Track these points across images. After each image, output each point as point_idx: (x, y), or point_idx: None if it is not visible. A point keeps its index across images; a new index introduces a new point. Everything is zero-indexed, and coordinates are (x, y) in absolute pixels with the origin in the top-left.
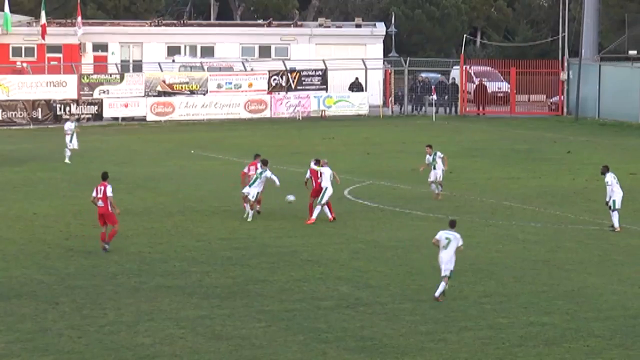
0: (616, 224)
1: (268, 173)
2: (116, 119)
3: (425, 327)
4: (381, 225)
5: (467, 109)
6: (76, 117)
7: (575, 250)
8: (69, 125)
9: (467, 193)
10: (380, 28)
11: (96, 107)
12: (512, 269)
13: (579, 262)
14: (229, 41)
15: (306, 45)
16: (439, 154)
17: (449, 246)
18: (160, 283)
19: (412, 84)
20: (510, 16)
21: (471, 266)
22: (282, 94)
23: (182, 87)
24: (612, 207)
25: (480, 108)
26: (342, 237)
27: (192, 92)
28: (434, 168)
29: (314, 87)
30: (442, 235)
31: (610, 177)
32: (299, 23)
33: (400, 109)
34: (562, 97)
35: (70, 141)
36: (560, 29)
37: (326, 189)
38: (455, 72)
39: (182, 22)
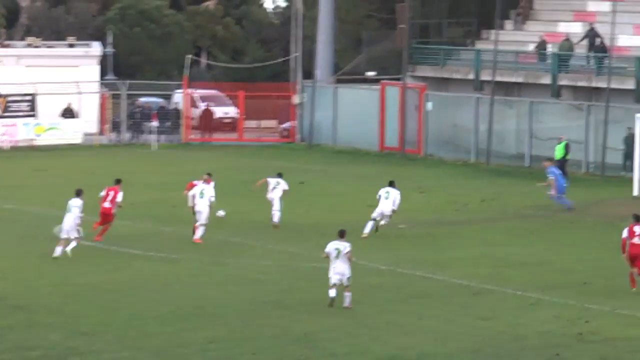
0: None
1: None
2: None
3: None
4: (97, 266)
5: (192, 137)
6: None
7: (308, 290)
8: None
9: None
10: (96, 48)
11: None
12: (241, 312)
13: (312, 302)
14: None
15: (14, 67)
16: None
17: (340, 256)
18: None
19: (131, 109)
20: (239, 35)
21: (196, 309)
22: None
23: None
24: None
25: (206, 135)
26: (53, 279)
27: None
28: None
29: (22, 113)
30: (331, 246)
31: (381, 191)
32: (5, 43)
33: (118, 136)
34: (294, 122)
35: None
36: (293, 48)
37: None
38: (179, 96)
39: None
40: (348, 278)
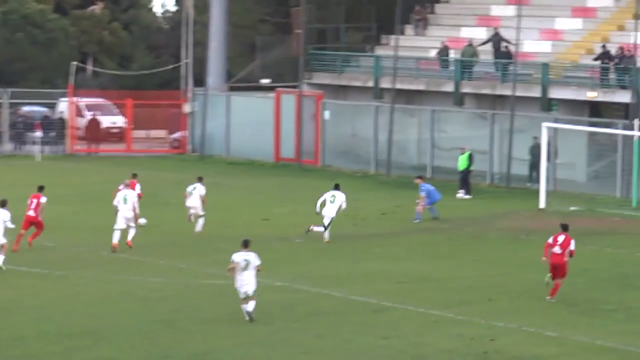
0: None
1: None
2: None
3: None
4: None
5: (77, 147)
6: None
7: (202, 308)
8: None
9: (80, 244)
10: None
11: None
12: (130, 332)
13: (206, 321)
14: None
15: None
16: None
17: (248, 267)
18: None
19: (13, 119)
20: (127, 40)
21: (82, 329)
22: None
23: None
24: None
25: (93, 146)
26: None
27: None
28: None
29: None
30: (239, 257)
31: (327, 195)
32: None
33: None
34: (185, 132)
35: None
36: (183, 54)
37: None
38: (64, 105)
39: None
40: (254, 291)
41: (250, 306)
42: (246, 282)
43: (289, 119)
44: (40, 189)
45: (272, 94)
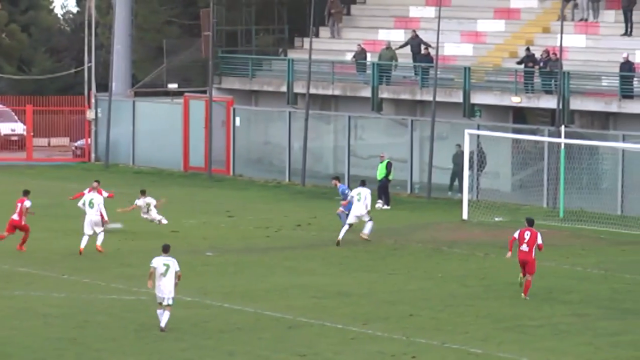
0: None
1: None
2: None
3: None
4: None
5: None
6: None
7: (107, 325)
8: None
9: None
10: None
11: None
12: (32, 350)
13: (111, 339)
14: None
15: None
16: None
17: (168, 273)
18: None
19: None
20: (26, 43)
21: None
22: None
23: None
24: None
25: None
26: None
27: None
28: None
29: None
30: (158, 261)
31: (353, 192)
32: None
33: None
34: (89, 140)
35: None
36: (86, 58)
37: None
38: None
39: None
40: (172, 298)
41: (164, 317)
42: (166, 289)
43: (198, 126)
44: (26, 193)
45: (180, 100)
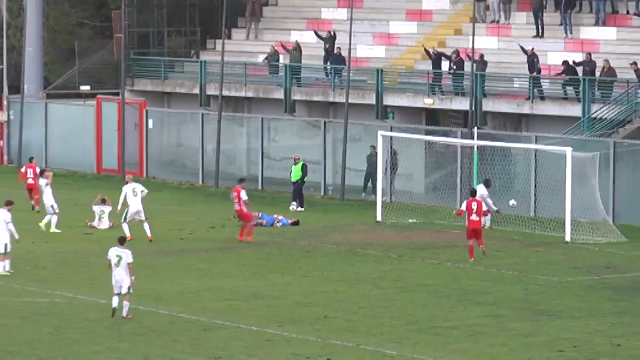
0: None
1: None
2: None
3: None
4: None
5: None
6: None
7: (21, 329)
8: None
9: None
10: None
11: None
12: None
13: (25, 342)
14: None
15: None
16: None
17: (120, 264)
18: None
19: None
20: None
21: None
22: None
23: None
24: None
25: None
26: None
27: None
28: None
29: None
30: (112, 253)
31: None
32: None
33: None
34: (1, 142)
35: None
36: None
37: None
38: None
39: None
40: (128, 287)
41: (124, 308)
42: (120, 279)
43: (111, 128)
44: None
45: (92, 102)
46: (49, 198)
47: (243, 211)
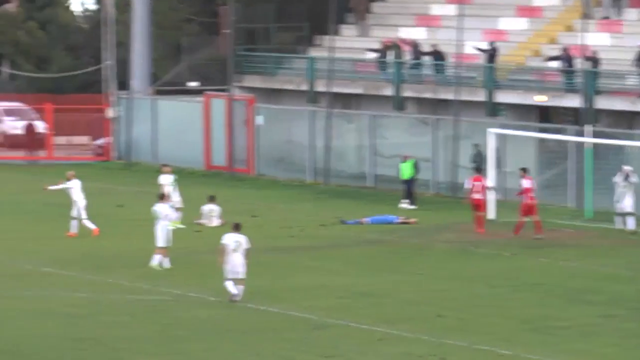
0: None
1: None
2: None
3: None
4: None
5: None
6: None
7: (129, 325)
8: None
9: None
10: None
11: None
12: (55, 350)
13: (133, 339)
14: None
15: None
16: None
17: (238, 249)
18: None
19: None
20: (44, 41)
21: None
22: None
23: None
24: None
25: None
26: None
27: None
28: None
29: None
30: (229, 239)
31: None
32: None
33: None
34: (109, 138)
35: None
36: (105, 56)
37: None
38: None
39: None
40: (244, 273)
41: (239, 291)
42: (238, 264)
43: (219, 125)
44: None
45: (200, 98)
46: (174, 194)
47: (481, 201)
